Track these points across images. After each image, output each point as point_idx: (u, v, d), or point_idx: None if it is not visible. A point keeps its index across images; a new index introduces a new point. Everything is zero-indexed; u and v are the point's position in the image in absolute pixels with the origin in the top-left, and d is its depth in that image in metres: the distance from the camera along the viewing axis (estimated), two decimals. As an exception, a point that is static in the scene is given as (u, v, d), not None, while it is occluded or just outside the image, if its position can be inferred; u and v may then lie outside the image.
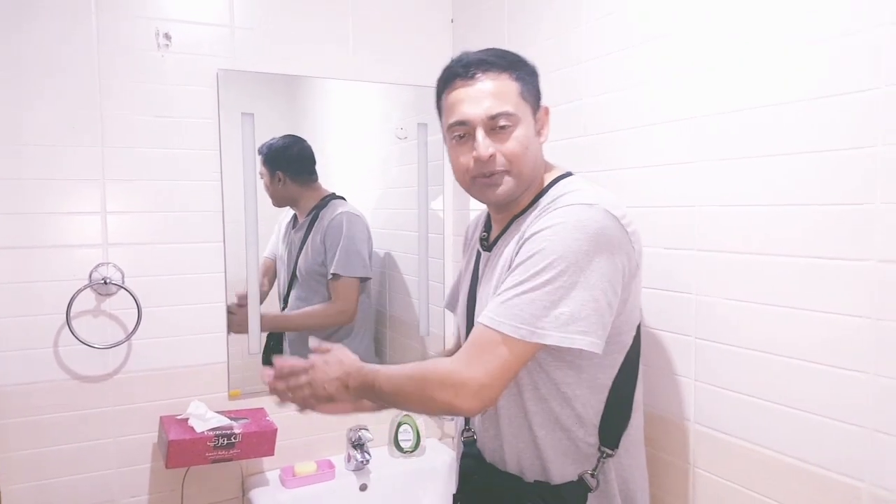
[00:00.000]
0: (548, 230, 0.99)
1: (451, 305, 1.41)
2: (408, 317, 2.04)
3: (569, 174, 1.17)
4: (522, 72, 1.10)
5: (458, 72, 1.09)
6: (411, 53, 1.98)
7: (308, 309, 1.91)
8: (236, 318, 1.78)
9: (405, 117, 1.99)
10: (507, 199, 1.12)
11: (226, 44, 1.74)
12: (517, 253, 1.03)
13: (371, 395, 1.08)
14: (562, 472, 1.09)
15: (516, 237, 1.08)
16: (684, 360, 1.28)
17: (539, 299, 0.96)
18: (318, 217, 1.90)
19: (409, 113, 2.00)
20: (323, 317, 1.92)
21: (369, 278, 1.97)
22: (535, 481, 1.10)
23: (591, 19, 1.48)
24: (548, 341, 0.96)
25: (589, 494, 1.08)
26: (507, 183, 1.09)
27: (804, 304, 1.05)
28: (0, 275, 1.54)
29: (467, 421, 1.25)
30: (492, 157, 1.06)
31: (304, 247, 1.90)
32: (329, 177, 1.93)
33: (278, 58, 1.80)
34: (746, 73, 1.13)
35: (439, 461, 1.91)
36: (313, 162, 1.90)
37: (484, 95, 1.06)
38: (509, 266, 1.05)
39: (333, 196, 1.93)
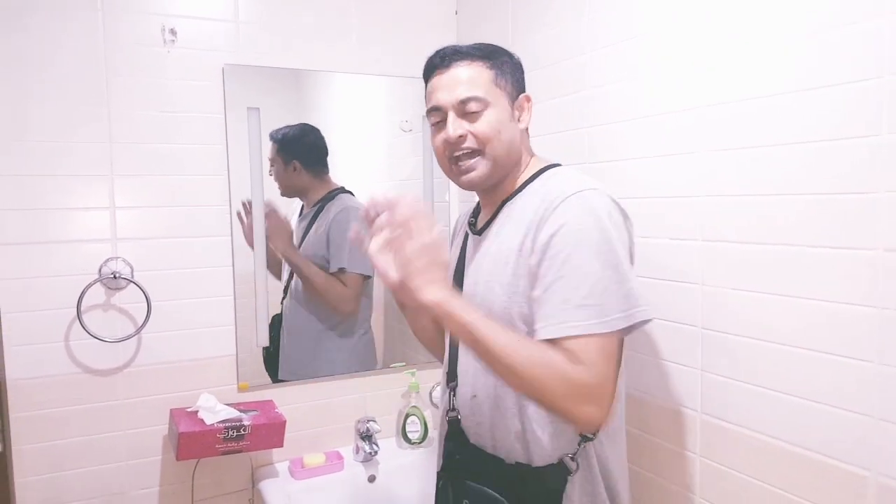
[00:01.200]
0: (572, 221, 1.01)
1: None
2: (415, 309, 2.05)
3: (557, 164, 1.19)
4: (499, 61, 1.14)
5: (436, 62, 1.15)
6: (415, 46, 1.97)
7: (322, 272, 1.89)
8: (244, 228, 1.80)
9: (410, 110, 2.00)
10: (483, 183, 1.15)
11: (231, 39, 1.74)
12: (542, 252, 1.02)
13: (459, 331, 0.99)
14: (543, 455, 1.09)
15: (515, 225, 1.10)
16: (690, 351, 1.28)
17: (608, 287, 0.98)
18: (323, 209, 1.91)
19: (414, 105, 1.99)
20: (328, 287, 1.89)
21: (371, 277, 1.96)
22: (515, 463, 1.11)
23: (593, 11, 1.47)
24: (639, 318, 0.99)
25: (570, 477, 1.09)
26: (481, 165, 1.12)
27: (809, 293, 1.05)
28: (11, 270, 1.56)
29: (451, 401, 1.25)
30: (461, 137, 1.11)
31: (307, 237, 1.91)
32: (335, 169, 1.93)
33: (283, 52, 1.81)
34: (749, 63, 1.13)
35: (447, 452, 1.92)
36: (326, 153, 1.91)
37: (456, 82, 1.11)
38: (518, 252, 1.06)
39: (342, 190, 1.93)
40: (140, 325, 1.67)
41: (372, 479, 1.83)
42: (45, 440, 1.62)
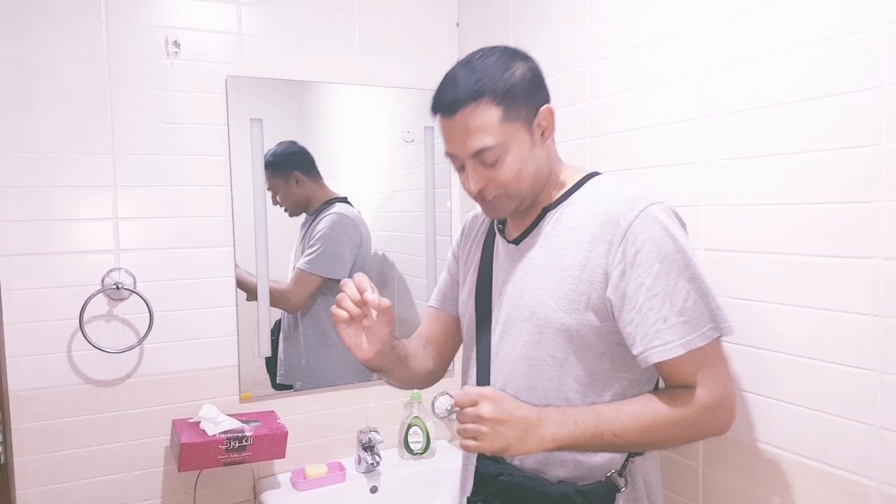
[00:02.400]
0: (653, 240, 0.99)
1: (444, 304, 1.34)
2: (416, 319, 2.05)
3: (596, 173, 1.14)
4: (505, 89, 1.02)
5: (438, 105, 1.07)
6: (417, 57, 1.99)
7: (282, 283, 1.89)
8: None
9: (412, 121, 2.01)
10: (512, 215, 1.14)
11: (234, 51, 1.76)
12: (624, 273, 1.00)
13: (592, 445, 1.03)
14: (591, 474, 1.07)
15: (569, 238, 1.07)
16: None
17: (698, 302, 0.99)
18: (317, 217, 1.92)
19: (415, 116, 2.01)
20: (276, 293, 1.87)
21: (335, 280, 1.91)
22: (559, 482, 1.08)
23: (595, 22, 1.48)
24: (727, 331, 1.02)
25: (617, 495, 1.06)
26: (506, 205, 1.09)
27: (810, 302, 1.06)
28: (14, 281, 1.56)
29: None
30: (481, 189, 1.07)
31: (302, 244, 1.93)
32: (337, 180, 1.94)
33: (286, 63, 1.82)
34: (750, 74, 1.13)
35: (450, 463, 1.91)
36: (314, 161, 1.92)
37: (465, 132, 1.04)
38: (581, 269, 1.04)
39: (342, 200, 1.94)
40: (142, 335, 1.67)
41: (374, 489, 1.82)
42: (48, 451, 1.62)
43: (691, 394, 1.00)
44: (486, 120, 1.03)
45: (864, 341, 0.98)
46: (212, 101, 1.74)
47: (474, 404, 1.01)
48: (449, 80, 1.06)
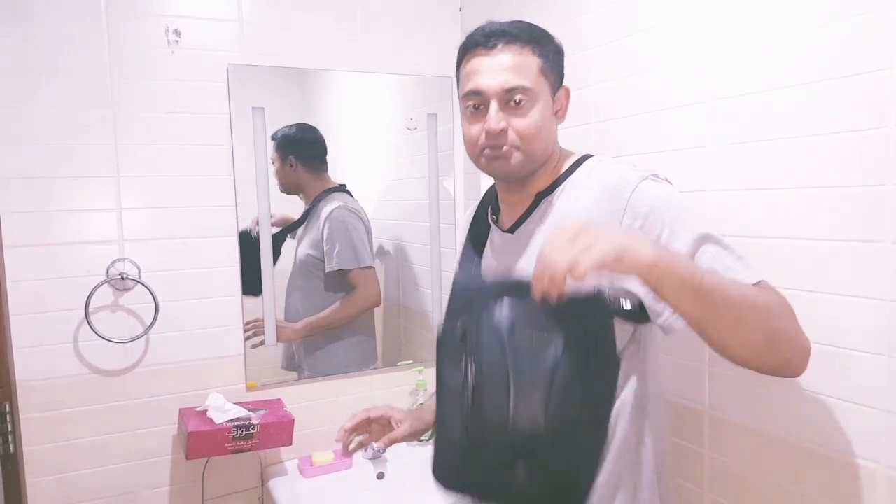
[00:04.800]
0: (659, 201, 0.96)
1: None
2: (422, 307, 2.05)
3: (589, 155, 1.12)
4: (547, 48, 1.05)
5: (479, 40, 1.04)
6: (420, 44, 1.98)
7: (335, 305, 1.94)
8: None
9: (415, 108, 2.00)
10: (512, 174, 1.07)
11: (235, 38, 1.75)
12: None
13: (685, 293, 0.82)
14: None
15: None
16: (697, 346, 1.27)
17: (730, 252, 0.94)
18: (315, 207, 1.92)
19: (418, 103, 2.00)
20: (355, 305, 1.97)
21: (371, 267, 1.98)
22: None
23: (599, 6, 1.47)
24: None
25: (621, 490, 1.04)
26: (517, 158, 1.04)
27: (817, 287, 1.05)
28: (20, 272, 1.57)
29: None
30: (503, 130, 1.02)
31: (302, 236, 1.92)
32: (340, 168, 1.93)
33: (287, 51, 1.81)
34: (756, 56, 1.12)
35: (455, 449, 1.92)
36: (325, 151, 1.91)
37: (502, 68, 1.01)
38: None
39: (340, 189, 1.94)
40: (148, 325, 1.68)
41: (381, 476, 1.83)
42: (55, 441, 1.63)
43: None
44: (527, 64, 1.02)
45: (872, 326, 0.98)
46: (213, 90, 1.73)
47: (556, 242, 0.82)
48: (490, 24, 1.05)
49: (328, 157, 1.92)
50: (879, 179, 0.95)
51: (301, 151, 1.88)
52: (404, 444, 1.94)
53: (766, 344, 0.88)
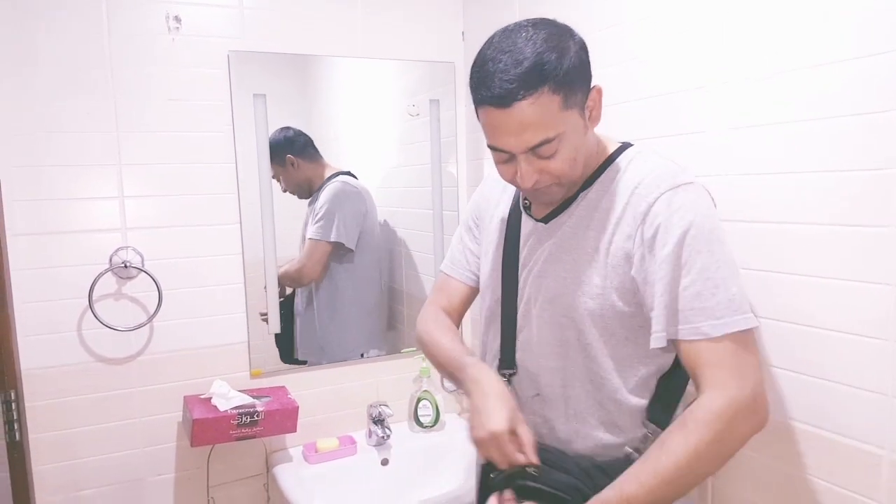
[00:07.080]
0: (677, 221, 0.95)
1: (462, 272, 1.31)
2: (422, 294, 2.05)
3: (628, 144, 1.11)
4: (560, 70, 0.92)
5: (489, 99, 0.94)
6: (422, 29, 1.96)
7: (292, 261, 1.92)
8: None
9: (417, 94, 1.99)
10: (560, 199, 1.08)
11: (236, 25, 1.73)
12: (647, 253, 0.98)
13: None
14: (611, 453, 1.06)
15: (601, 221, 1.03)
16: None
17: (729, 283, 0.94)
18: (320, 192, 1.92)
19: (421, 89, 1.99)
20: (293, 268, 1.91)
21: (346, 247, 1.95)
22: (578, 456, 1.07)
23: (602, -11, 1.45)
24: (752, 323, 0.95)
25: None
26: (556, 193, 1.05)
27: (824, 272, 1.05)
28: (23, 261, 1.57)
29: None
30: (536, 181, 1.00)
31: (308, 218, 1.93)
32: (342, 155, 1.93)
33: (289, 37, 1.79)
34: (761, 40, 1.11)
35: (459, 436, 1.92)
36: (311, 140, 1.89)
37: (522, 126, 0.93)
38: (606, 252, 1.02)
39: (345, 173, 1.93)
40: (152, 313, 1.68)
41: (385, 462, 1.84)
42: (61, 429, 1.64)
43: (720, 403, 0.91)
44: (547, 111, 0.93)
45: (877, 311, 0.97)
46: (214, 77, 1.72)
47: None
48: (496, 65, 0.93)
49: (331, 145, 1.90)
50: (886, 163, 0.95)
51: (295, 148, 1.87)
52: (407, 429, 1.98)
53: (716, 469, 0.96)
